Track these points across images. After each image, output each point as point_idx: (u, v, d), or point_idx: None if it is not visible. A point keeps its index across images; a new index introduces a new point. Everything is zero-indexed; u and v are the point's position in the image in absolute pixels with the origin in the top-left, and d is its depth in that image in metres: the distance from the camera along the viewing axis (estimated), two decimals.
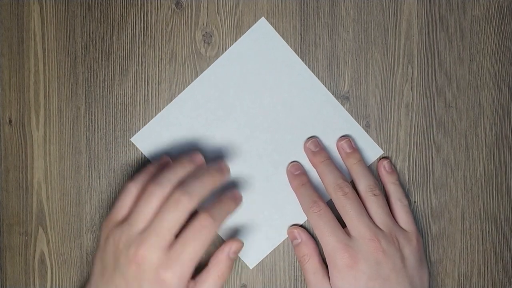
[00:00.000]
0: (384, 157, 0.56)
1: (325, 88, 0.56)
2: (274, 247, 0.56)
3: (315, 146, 0.55)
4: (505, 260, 0.57)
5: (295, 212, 0.55)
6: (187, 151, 0.55)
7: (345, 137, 0.56)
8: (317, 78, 0.55)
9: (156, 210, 0.48)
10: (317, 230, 0.52)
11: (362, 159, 0.55)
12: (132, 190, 0.50)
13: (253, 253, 0.56)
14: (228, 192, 0.52)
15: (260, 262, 0.57)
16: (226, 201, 0.50)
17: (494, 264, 0.57)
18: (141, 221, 0.48)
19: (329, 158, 0.55)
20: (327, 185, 0.54)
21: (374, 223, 0.53)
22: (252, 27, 0.55)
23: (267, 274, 0.57)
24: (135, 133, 0.56)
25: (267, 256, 0.57)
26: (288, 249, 0.57)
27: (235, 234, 0.56)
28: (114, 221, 0.49)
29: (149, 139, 0.56)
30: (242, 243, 0.51)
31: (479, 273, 0.57)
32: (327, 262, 0.52)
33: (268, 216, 0.55)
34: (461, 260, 0.57)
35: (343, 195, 0.52)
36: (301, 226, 0.56)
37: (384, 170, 0.56)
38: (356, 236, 0.52)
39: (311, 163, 0.55)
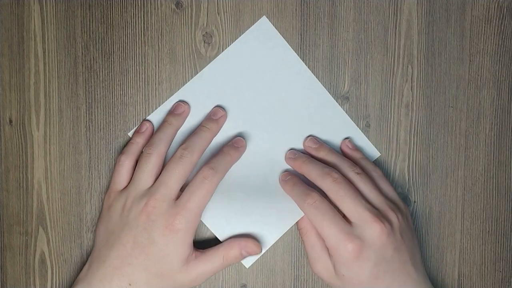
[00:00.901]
0: (346, 138, 0.56)
1: (324, 88, 0.56)
2: (270, 246, 0.56)
3: (294, 154, 0.55)
4: (505, 260, 0.57)
5: (291, 210, 0.55)
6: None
7: (309, 136, 0.56)
8: (316, 78, 0.55)
9: (157, 168, 0.53)
10: (316, 223, 0.51)
11: (331, 149, 0.55)
12: (124, 161, 0.54)
13: None
14: (231, 141, 0.55)
15: (260, 262, 0.57)
16: (228, 151, 0.54)
17: (494, 264, 0.57)
18: (145, 179, 0.52)
19: (309, 158, 0.54)
20: (315, 178, 0.52)
21: (370, 203, 0.51)
22: (254, 25, 0.55)
23: (267, 274, 0.57)
24: None
25: (267, 256, 0.57)
26: (288, 249, 0.57)
27: (231, 234, 0.56)
28: (115, 191, 0.54)
29: None
30: (260, 251, 0.54)
31: (479, 273, 0.57)
32: (330, 253, 0.51)
33: (263, 213, 0.55)
34: (461, 260, 0.57)
35: (333, 181, 0.51)
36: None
37: (348, 149, 0.55)
38: (356, 222, 0.50)
39: (296, 169, 0.55)
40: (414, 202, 0.57)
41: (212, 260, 0.53)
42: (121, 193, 0.53)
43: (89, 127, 0.56)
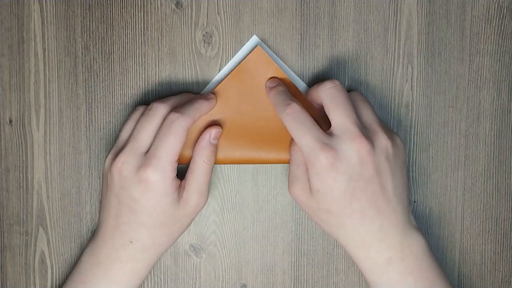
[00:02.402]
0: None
1: None
2: None
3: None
4: (505, 260, 0.57)
5: None
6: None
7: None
8: None
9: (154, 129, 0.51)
10: (293, 133, 0.49)
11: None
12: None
13: None
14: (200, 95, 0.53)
15: (260, 262, 0.57)
16: (196, 99, 0.52)
17: (494, 264, 0.57)
18: (124, 135, 0.52)
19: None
20: (314, 89, 0.51)
21: (361, 121, 0.50)
22: (246, 44, 0.55)
23: (267, 274, 0.57)
24: None
25: (267, 256, 0.57)
26: (288, 249, 0.57)
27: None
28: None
29: None
30: (221, 130, 0.53)
31: (479, 273, 0.57)
32: (307, 164, 0.49)
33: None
34: (461, 260, 0.57)
35: (333, 87, 0.49)
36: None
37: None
38: (339, 134, 0.48)
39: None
40: (414, 202, 0.57)
41: (198, 171, 0.51)
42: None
43: (89, 127, 0.56)
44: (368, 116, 0.51)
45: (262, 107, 0.54)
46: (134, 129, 0.51)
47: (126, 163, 0.49)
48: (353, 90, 0.54)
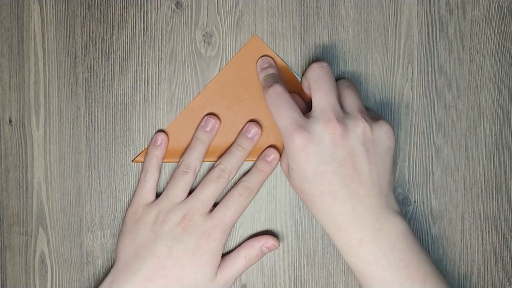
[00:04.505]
0: None
1: None
2: None
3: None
4: (505, 260, 0.57)
5: None
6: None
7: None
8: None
9: (191, 184, 0.54)
10: (273, 114, 0.50)
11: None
12: (150, 177, 0.54)
13: None
14: (262, 153, 0.55)
15: (260, 262, 0.57)
16: (261, 168, 0.54)
17: (494, 264, 0.57)
18: (179, 193, 0.53)
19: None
20: (306, 73, 0.52)
21: (341, 106, 0.51)
22: (245, 44, 0.55)
23: (267, 274, 0.57)
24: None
25: (267, 256, 0.57)
26: (288, 249, 0.57)
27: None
28: (142, 205, 0.54)
29: None
30: (278, 245, 0.55)
31: (479, 273, 0.57)
32: (284, 144, 0.51)
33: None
34: (461, 260, 0.57)
35: (319, 67, 0.50)
36: None
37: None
38: (315, 115, 0.49)
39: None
40: (414, 202, 0.57)
41: (236, 263, 0.54)
42: (151, 207, 0.54)
43: (89, 127, 0.56)
44: (351, 101, 0.51)
45: (260, 94, 0.55)
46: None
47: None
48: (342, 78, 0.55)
